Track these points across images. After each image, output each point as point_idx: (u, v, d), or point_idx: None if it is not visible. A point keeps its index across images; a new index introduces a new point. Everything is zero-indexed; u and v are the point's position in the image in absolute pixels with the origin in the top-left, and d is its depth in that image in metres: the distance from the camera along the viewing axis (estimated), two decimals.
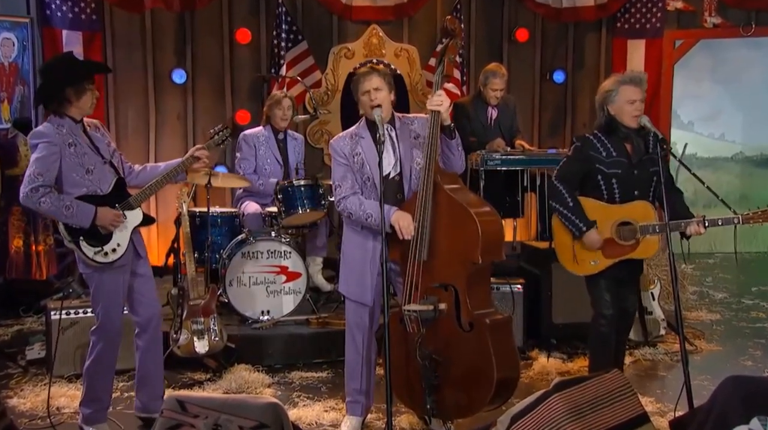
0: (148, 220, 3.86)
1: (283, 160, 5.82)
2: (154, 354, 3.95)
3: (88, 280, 3.77)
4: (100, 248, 3.66)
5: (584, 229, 3.93)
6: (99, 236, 3.66)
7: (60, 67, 3.69)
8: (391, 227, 3.66)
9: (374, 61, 7.05)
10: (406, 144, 3.80)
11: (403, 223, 3.64)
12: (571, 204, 3.96)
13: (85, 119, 3.73)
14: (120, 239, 3.71)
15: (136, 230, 3.80)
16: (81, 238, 3.64)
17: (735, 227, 3.85)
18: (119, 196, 3.74)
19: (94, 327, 3.80)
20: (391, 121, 3.82)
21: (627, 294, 4.12)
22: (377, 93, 3.71)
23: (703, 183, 3.98)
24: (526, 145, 6.24)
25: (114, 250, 3.69)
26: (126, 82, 6.94)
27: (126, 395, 4.39)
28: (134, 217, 3.77)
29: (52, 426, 3.87)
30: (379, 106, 3.70)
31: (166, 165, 3.95)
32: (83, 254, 3.66)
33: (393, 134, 3.81)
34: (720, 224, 3.82)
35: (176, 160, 3.98)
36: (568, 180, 4.01)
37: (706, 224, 3.82)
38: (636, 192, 3.96)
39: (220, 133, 4.10)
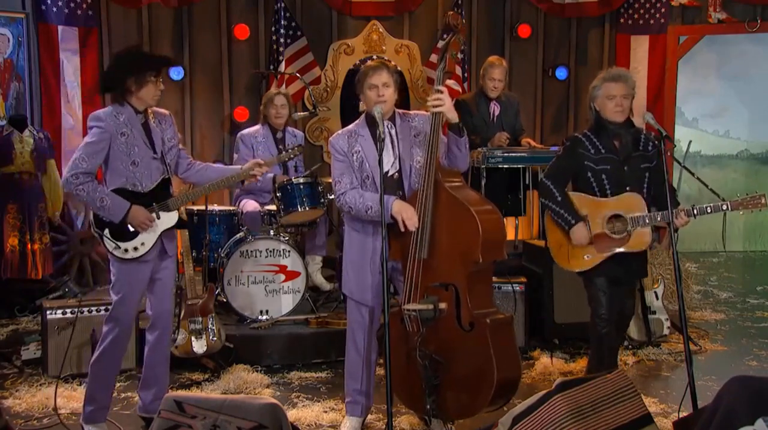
0: (182, 224, 3.83)
1: None
2: (162, 351, 3.91)
3: (111, 265, 3.75)
4: (117, 246, 3.64)
5: (573, 222, 3.95)
6: (125, 232, 3.66)
7: (125, 57, 3.72)
8: (393, 218, 3.59)
9: (374, 57, 7.00)
10: (406, 142, 3.75)
11: (407, 214, 3.58)
12: (559, 199, 3.99)
13: (154, 109, 3.75)
14: (145, 239, 3.68)
15: (169, 231, 3.77)
16: (106, 230, 3.65)
17: (724, 214, 3.91)
18: (160, 196, 3.72)
19: (107, 315, 3.76)
20: (392, 119, 3.76)
21: (624, 297, 4.12)
22: (385, 89, 3.65)
23: (693, 174, 4.00)
24: (533, 143, 6.18)
25: (136, 248, 3.67)
26: None
27: (123, 395, 4.34)
28: (168, 219, 3.74)
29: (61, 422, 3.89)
30: (383, 102, 3.64)
31: (223, 170, 3.97)
32: (104, 245, 3.69)
33: (393, 132, 3.75)
34: (709, 211, 3.87)
35: (234, 167, 3.98)
36: (556, 177, 4.05)
37: (695, 212, 3.86)
38: (627, 188, 3.98)
39: (290, 150, 4.17)
